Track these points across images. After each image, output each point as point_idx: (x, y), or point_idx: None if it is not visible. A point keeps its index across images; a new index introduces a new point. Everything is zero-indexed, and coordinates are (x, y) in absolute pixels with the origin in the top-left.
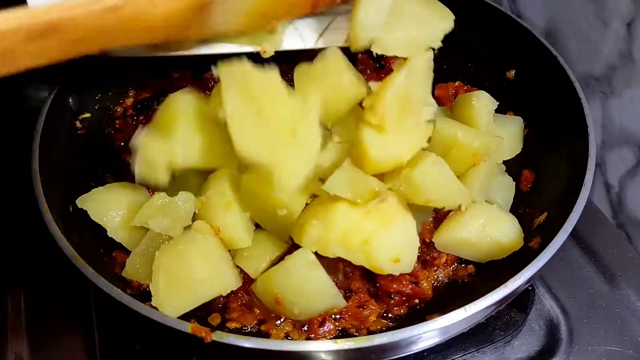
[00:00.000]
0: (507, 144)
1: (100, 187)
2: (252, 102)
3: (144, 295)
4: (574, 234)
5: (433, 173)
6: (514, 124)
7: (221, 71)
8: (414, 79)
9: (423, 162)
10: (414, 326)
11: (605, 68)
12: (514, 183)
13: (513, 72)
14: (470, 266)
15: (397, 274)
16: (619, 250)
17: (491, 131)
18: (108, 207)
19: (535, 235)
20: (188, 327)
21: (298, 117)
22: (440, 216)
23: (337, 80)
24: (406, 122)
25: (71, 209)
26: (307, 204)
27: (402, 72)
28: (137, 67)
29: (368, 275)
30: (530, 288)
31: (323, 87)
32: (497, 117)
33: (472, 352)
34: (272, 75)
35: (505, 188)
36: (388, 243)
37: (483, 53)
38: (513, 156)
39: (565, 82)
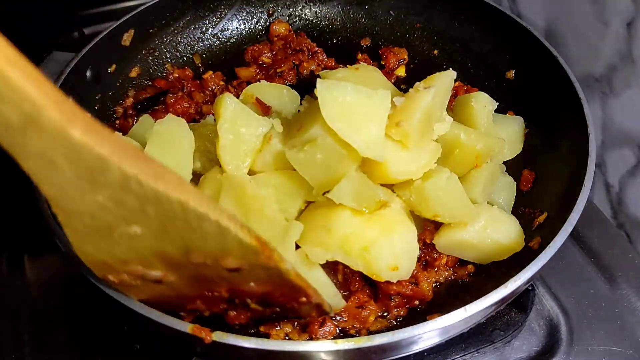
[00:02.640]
0: (507, 144)
1: None
2: (242, 209)
3: None
4: (574, 234)
5: (445, 188)
6: (515, 124)
7: (223, 178)
8: (437, 98)
9: (437, 176)
10: (414, 326)
11: (605, 68)
12: (515, 183)
13: (513, 72)
14: (470, 266)
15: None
16: (619, 250)
17: (491, 132)
18: None
19: (535, 236)
20: (188, 328)
21: (278, 237)
22: None
23: None
24: (424, 139)
25: None
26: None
27: (430, 92)
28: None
29: (367, 277)
30: (530, 288)
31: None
32: (497, 117)
33: (472, 352)
34: (265, 195)
35: (507, 188)
36: (388, 251)
37: (483, 53)
38: (513, 156)
39: (565, 82)
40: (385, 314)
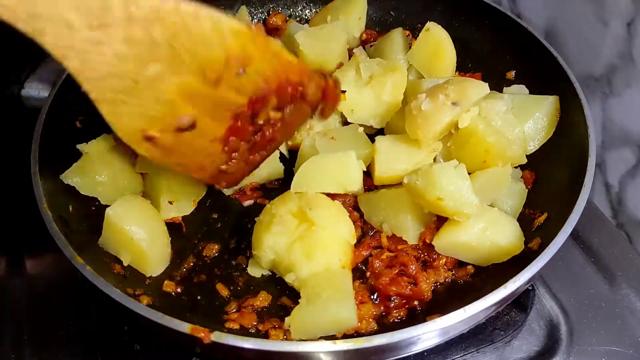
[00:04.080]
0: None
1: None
2: None
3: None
4: (574, 234)
5: (452, 173)
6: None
7: None
8: (463, 110)
9: (446, 163)
10: (413, 327)
11: (605, 68)
12: (526, 191)
13: (513, 72)
14: (470, 267)
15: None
16: (619, 250)
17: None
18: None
19: (535, 236)
20: (187, 328)
21: None
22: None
23: None
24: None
25: (71, 209)
26: None
27: (455, 110)
28: None
29: (367, 279)
30: (530, 288)
31: None
32: (529, 98)
33: (472, 352)
34: None
35: (516, 195)
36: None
37: (483, 53)
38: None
39: (565, 82)
40: (385, 315)
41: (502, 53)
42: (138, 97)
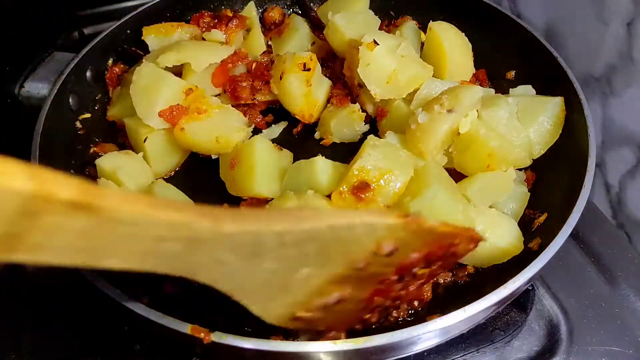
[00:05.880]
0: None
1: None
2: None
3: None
4: (574, 234)
5: (431, 207)
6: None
7: None
8: (459, 117)
9: (421, 196)
10: (413, 327)
11: (605, 68)
12: (529, 195)
13: (513, 72)
14: (470, 267)
15: None
16: (619, 250)
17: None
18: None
19: (535, 237)
20: (187, 328)
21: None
22: None
23: None
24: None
25: None
26: None
27: (451, 117)
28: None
29: None
30: (530, 288)
31: None
32: (535, 101)
33: (472, 352)
34: None
35: (518, 198)
36: None
37: (483, 53)
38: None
39: (565, 82)
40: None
41: (502, 53)
42: (289, 294)
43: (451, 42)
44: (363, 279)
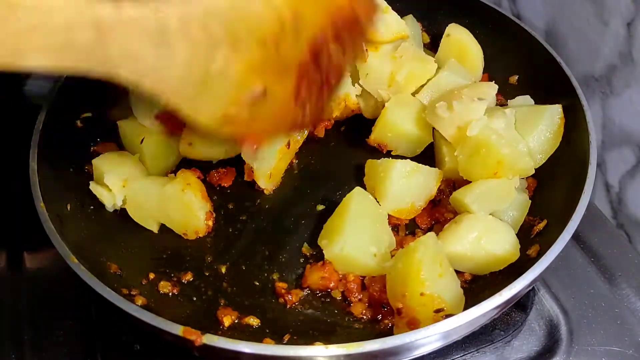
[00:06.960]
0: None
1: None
2: None
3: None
4: (574, 234)
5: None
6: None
7: None
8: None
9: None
10: (406, 333)
11: (605, 68)
12: (530, 202)
13: (516, 77)
14: (467, 274)
15: None
16: (619, 250)
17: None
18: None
19: (534, 243)
20: (179, 330)
21: None
22: (439, 222)
23: None
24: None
25: (69, 207)
26: None
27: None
28: None
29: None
30: (530, 288)
31: None
32: (532, 110)
33: (472, 352)
34: None
35: (519, 206)
36: None
37: (485, 57)
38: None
39: (565, 82)
40: (379, 318)
41: (502, 54)
42: (211, 88)
43: (470, 43)
44: (281, 67)
